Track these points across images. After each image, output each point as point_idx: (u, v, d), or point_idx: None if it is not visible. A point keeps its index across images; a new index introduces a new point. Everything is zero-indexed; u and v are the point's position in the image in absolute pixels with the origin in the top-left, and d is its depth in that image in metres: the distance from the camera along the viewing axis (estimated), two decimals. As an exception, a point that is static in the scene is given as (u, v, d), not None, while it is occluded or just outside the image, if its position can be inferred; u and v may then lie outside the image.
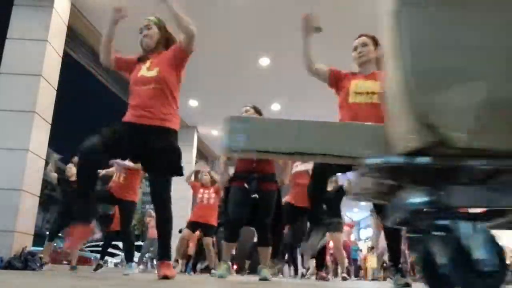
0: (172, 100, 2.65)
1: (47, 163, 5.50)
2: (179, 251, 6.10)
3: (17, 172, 4.99)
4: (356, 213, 21.28)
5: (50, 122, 5.57)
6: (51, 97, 5.61)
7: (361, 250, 14.11)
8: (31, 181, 5.16)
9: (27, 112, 5.19)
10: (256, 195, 3.54)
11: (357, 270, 13.06)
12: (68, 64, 6.34)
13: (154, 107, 2.56)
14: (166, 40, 2.80)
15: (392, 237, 2.77)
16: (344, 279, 5.57)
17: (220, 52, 7.15)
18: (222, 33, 6.70)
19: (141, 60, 2.79)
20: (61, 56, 5.80)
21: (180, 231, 6.33)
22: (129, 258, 5.10)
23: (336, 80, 2.84)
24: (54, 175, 6.13)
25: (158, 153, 2.55)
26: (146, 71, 2.65)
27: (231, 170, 3.97)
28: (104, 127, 2.55)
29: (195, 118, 10.44)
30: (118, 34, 2.80)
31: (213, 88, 8.57)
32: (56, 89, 5.70)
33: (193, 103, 9.55)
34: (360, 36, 2.91)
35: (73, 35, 6.51)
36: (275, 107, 9.26)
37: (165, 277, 2.43)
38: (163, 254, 2.61)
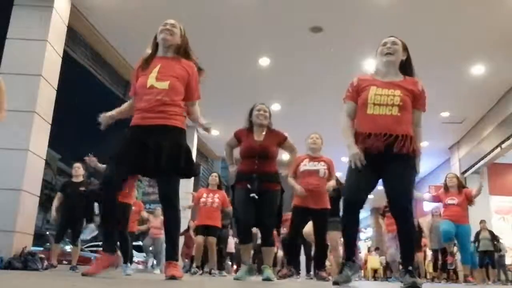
0: (178, 103, 2.65)
1: (47, 163, 5.47)
2: (197, 257, 6.57)
3: (17, 172, 4.99)
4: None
5: (50, 122, 5.57)
6: (51, 97, 5.61)
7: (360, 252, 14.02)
8: (31, 181, 5.15)
9: (27, 112, 5.18)
10: (254, 195, 3.49)
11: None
12: (68, 64, 6.34)
13: (163, 111, 2.57)
14: (184, 50, 2.73)
15: (406, 237, 2.65)
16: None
17: (220, 52, 7.15)
18: (222, 33, 6.70)
19: (146, 63, 2.68)
20: (61, 56, 5.80)
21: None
22: (125, 259, 5.10)
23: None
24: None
25: (166, 151, 2.51)
26: (155, 80, 2.59)
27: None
28: (117, 148, 2.56)
29: (195, 118, 10.42)
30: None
31: (213, 88, 8.54)
32: (56, 89, 5.70)
33: (193, 103, 9.53)
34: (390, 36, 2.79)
35: (73, 35, 6.51)
36: (275, 107, 9.25)
37: (173, 277, 2.44)
38: (172, 254, 2.61)
